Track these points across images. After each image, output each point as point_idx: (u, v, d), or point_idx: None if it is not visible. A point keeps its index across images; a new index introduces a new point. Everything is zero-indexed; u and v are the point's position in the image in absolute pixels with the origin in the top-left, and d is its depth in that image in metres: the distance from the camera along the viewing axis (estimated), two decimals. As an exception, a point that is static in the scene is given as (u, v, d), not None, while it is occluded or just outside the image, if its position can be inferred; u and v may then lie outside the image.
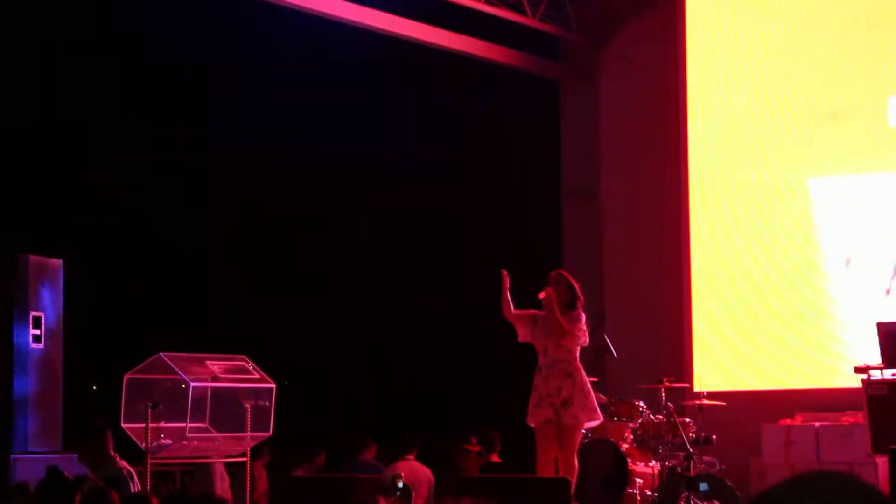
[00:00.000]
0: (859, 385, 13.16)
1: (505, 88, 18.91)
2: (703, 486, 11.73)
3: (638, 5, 17.57)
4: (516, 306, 10.80)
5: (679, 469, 12.29)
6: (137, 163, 21.00)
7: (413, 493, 12.63)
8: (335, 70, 20.42)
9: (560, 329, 10.55)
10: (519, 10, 16.87)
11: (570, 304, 10.74)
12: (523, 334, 10.89)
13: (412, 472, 13.15)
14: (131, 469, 9.90)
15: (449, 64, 17.68)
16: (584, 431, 11.08)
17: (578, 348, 10.75)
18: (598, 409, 10.79)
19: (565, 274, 11.02)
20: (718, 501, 11.91)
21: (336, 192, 21.59)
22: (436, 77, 19.08)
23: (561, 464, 10.53)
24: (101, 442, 9.79)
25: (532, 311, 10.89)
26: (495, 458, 13.82)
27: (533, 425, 10.74)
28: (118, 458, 9.86)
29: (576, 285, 10.86)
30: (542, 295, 10.69)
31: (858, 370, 13.27)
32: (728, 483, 12.26)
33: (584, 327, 10.73)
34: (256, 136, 21.26)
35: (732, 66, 16.68)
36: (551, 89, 18.40)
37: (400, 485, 9.27)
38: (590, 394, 10.63)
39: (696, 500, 11.85)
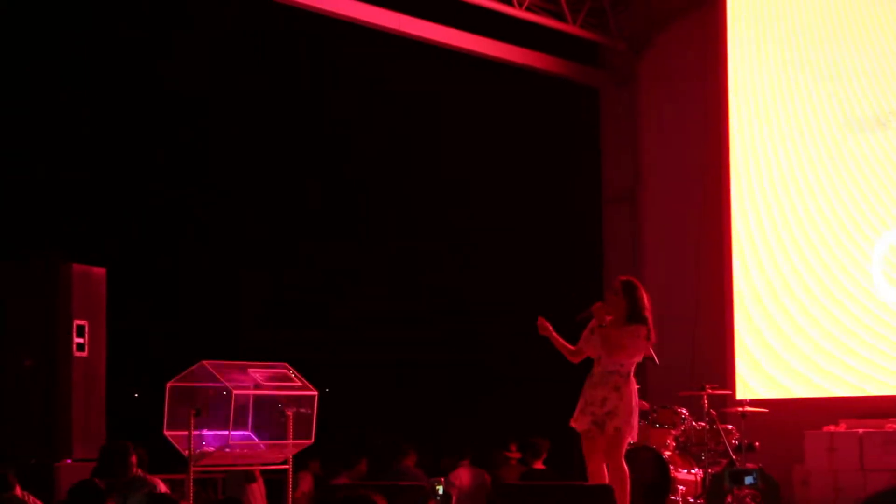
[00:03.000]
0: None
1: (546, 95, 18.91)
2: (749, 480, 11.65)
3: (678, 11, 17.52)
4: (560, 325, 10.52)
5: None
6: (180, 173, 21.11)
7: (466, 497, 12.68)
8: (376, 77, 20.48)
9: (609, 346, 10.34)
10: (559, 17, 16.85)
11: (630, 317, 10.35)
12: (588, 353, 10.65)
13: (468, 477, 13.21)
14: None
15: (488, 71, 17.69)
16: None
17: (633, 363, 10.46)
18: (636, 429, 10.49)
19: (633, 283, 10.53)
20: (763, 489, 11.83)
21: (377, 197, 21.65)
22: (476, 84, 19.09)
23: (609, 471, 10.42)
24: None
25: (589, 326, 10.65)
26: (539, 465, 13.80)
27: (577, 430, 10.58)
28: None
29: (641, 297, 10.36)
30: (595, 306, 10.43)
31: (902, 377, 13.22)
32: (770, 476, 12.21)
33: (640, 344, 10.33)
34: (295, 142, 21.35)
35: (774, 70, 16.60)
36: (592, 96, 18.38)
37: (440, 490, 9.26)
38: (634, 411, 10.35)
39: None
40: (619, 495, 10.34)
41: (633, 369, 10.44)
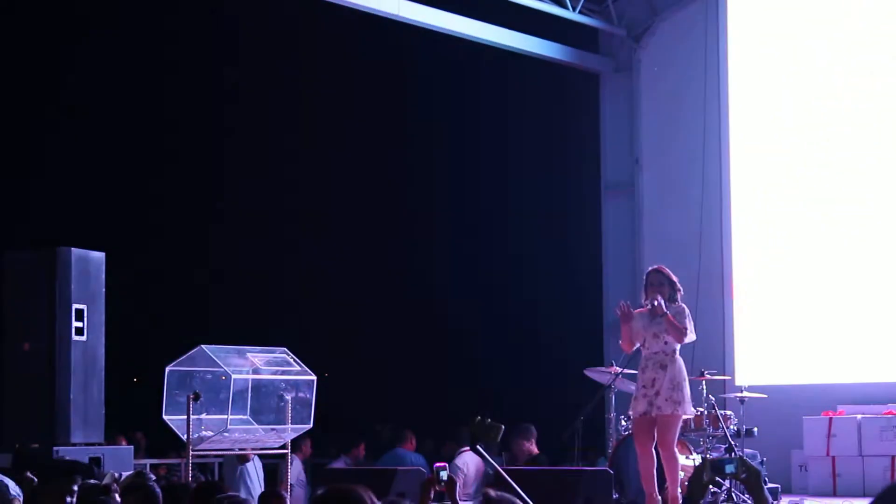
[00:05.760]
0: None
1: (545, 81, 18.90)
2: (730, 469, 11.60)
3: (678, -3, 17.51)
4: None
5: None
6: (178, 159, 21.12)
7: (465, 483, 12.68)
8: (375, 64, 20.49)
9: (677, 330, 10.51)
10: (559, 3, 16.83)
11: (671, 298, 10.72)
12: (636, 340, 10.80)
13: (475, 464, 13.23)
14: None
15: (488, 57, 17.67)
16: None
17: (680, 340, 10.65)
18: (685, 403, 10.64)
19: (663, 270, 10.87)
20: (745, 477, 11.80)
21: (384, 190, 21.66)
22: (475, 71, 19.09)
23: (660, 456, 10.58)
24: None
25: (637, 312, 10.78)
26: (535, 450, 13.82)
27: (632, 417, 10.78)
28: None
29: (675, 279, 10.81)
30: (655, 302, 10.59)
31: (901, 363, 13.23)
32: (752, 463, 12.17)
33: (691, 323, 10.65)
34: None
35: (774, 57, 16.59)
36: (591, 82, 18.35)
37: (444, 476, 9.25)
38: (678, 386, 10.55)
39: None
40: (669, 480, 10.46)
41: (678, 346, 10.67)
